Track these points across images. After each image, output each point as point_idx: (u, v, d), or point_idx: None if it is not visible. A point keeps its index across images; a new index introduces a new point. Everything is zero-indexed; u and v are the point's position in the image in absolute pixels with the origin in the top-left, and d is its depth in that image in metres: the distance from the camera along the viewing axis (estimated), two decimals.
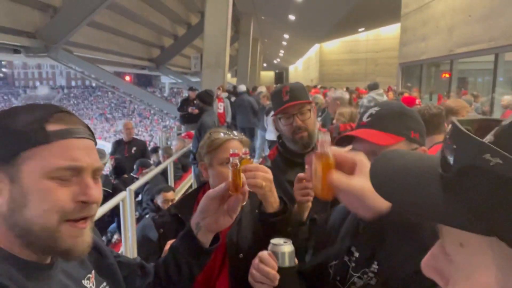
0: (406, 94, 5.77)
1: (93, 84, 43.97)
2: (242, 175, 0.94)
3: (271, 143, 6.87)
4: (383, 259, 0.88)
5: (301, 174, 1.19)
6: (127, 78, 23.96)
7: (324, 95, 7.50)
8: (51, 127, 0.66)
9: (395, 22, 16.33)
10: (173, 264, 0.92)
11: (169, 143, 8.26)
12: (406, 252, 0.81)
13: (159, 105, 13.92)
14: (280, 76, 39.96)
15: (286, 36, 20.94)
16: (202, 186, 1.40)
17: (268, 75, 39.77)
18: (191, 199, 1.35)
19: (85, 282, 0.77)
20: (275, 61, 37.36)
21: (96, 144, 0.74)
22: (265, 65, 36.67)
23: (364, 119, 1.00)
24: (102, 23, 11.46)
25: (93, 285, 0.78)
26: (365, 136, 0.94)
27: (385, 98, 6.12)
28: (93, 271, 0.80)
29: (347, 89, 10.29)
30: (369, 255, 0.92)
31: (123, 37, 13.53)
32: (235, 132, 1.39)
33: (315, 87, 13.97)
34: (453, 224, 0.37)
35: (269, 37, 23.60)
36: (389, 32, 18.61)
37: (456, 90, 7.26)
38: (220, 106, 7.43)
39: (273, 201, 1.16)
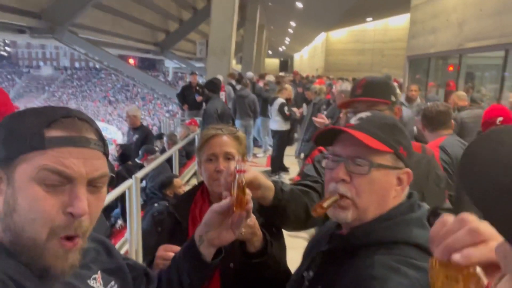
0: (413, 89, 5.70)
1: (97, 66, 43.74)
2: (247, 191, 0.91)
3: (274, 133, 6.89)
4: (327, 285, 0.87)
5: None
6: (131, 61, 23.87)
7: (330, 86, 7.44)
8: (50, 133, 0.64)
9: (404, 13, 16.09)
10: (175, 275, 0.93)
11: (172, 129, 8.25)
12: (345, 283, 0.81)
13: (163, 90, 13.88)
14: (285, 64, 39.69)
15: (292, 23, 20.70)
16: (200, 185, 1.36)
17: (273, 63, 39.50)
18: (188, 199, 1.33)
19: (91, 281, 0.76)
20: (280, 49, 37.05)
21: (105, 154, 0.71)
22: (270, 52, 36.40)
23: (353, 121, 0.93)
24: (108, 5, 11.35)
25: (100, 284, 0.78)
26: (356, 134, 0.85)
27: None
28: (99, 272, 0.79)
29: (354, 80, 10.20)
30: (318, 277, 0.92)
31: (128, 20, 13.41)
32: (233, 128, 1.34)
33: (319, 77, 13.88)
34: None
35: (275, 24, 23.33)
36: (397, 23, 18.36)
37: (465, 87, 7.19)
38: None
39: (256, 240, 1.08)
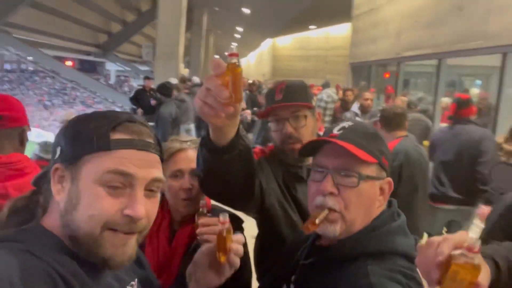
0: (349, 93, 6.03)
1: (31, 68, 40.80)
2: (237, 238, 0.86)
3: None
4: None
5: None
6: (69, 63, 22.57)
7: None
8: (116, 135, 0.68)
9: (345, 22, 16.92)
10: None
11: None
12: None
13: (105, 93, 13.30)
14: None
15: (239, 29, 20.86)
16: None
17: None
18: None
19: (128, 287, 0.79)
20: (226, 53, 37.07)
21: (162, 158, 0.74)
22: (217, 57, 36.27)
23: (335, 131, 0.89)
24: (45, 4, 10.67)
25: None
26: (345, 145, 0.83)
27: (336, 96, 6.48)
28: (136, 279, 0.82)
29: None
30: None
31: (67, 20, 12.69)
32: (198, 140, 1.22)
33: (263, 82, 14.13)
34: None
35: (223, 29, 23.36)
36: (338, 32, 19.25)
37: (402, 92, 7.71)
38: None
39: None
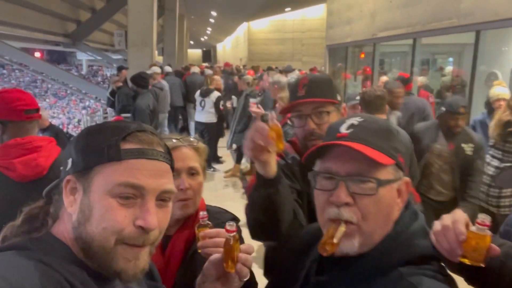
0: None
1: None
2: (239, 249, 0.82)
3: (205, 125, 6.74)
4: None
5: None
6: (37, 54, 21.71)
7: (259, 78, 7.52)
8: (126, 146, 0.68)
9: (320, 3, 16.84)
10: None
11: None
12: None
13: (77, 84, 12.88)
14: (208, 54, 39.22)
15: (213, 13, 20.46)
16: None
17: (195, 54, 38.77)
18: None
19: None
20: (202, 39, 36.47)
21: (172, 167, 0.74)
22: (192, 42, 35.67)
23: (343, 130, 0.79)
24: None
25: None
26: (358, 147, 0.74)
27: (285, 79, 6.51)
28: None
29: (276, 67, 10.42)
30: None
31: (32, 9, 12.11)
32: (190, 138, 1.19)
33: (244, 66, 13.98)
34: None
35: (196, 13, 22.85)
36: (314, 15, 19.17)
37: (379, 72, 7.79)
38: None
39: None
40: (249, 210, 1.16)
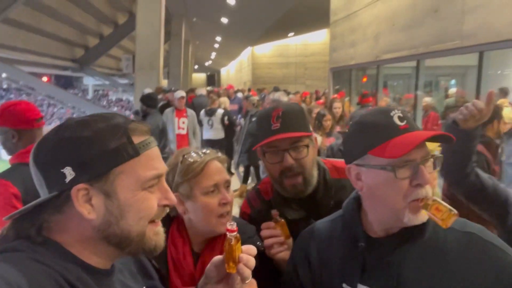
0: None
1: (4, 86, 39.79)
2: (240, 250, 0.82)
3: (213, 143, 6.77)
4: None
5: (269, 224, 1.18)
6: (44, 79, 22.12)
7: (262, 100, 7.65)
8: (136, 140, 0.70)
9: (323, 28, 17.20)
10: None
11: None
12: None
13: (84, 108, 13.04)
14: (212, 79, 39.83)
15: (218, 38, 20.91)
16: (171, 221, 1.17)
17: (199, 78, 39.36)
18: None
19: None
20: (206, 64, 37.10)
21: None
22: (196, 67, 36.26)
23: (400, 122, 0.88)
24: (18, 20, 10.44)
25: None
26: (430, 133, 0.87)
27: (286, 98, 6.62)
28: (144, 287, 0.84)
29: (285, 91, 10.56)
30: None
31: (42, 35, 12.44)
32: (207, 150, 1.17)
33: (249, 90, 14.17)
34: None
35: (201, 39, 23.37)
36: (316, 39, 19.57)
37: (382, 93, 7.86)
38: (183, 123, 5.85)
39: None
40: None
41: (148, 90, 8.09)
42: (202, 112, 6.89)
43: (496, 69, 7.15)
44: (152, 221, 0.72)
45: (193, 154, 1.11)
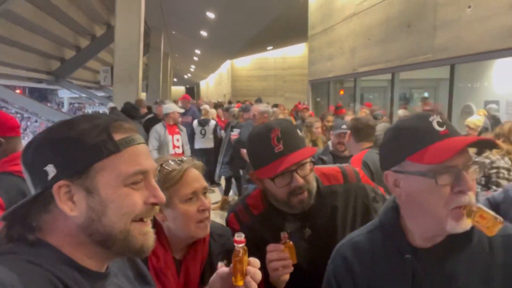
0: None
1: None
2: (248, 262, 0.83)
3: (205, 151, 6.88)
4: None
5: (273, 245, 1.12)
6: (17, 92, 21.52)
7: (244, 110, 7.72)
8: (117, 137, 0.70)
9: (301, 42, 17.52)
10: None
11: None
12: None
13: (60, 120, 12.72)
14: (191, 91, 39.76)
15: (197, 51, 20.97)
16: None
17: (178, 90, 39.21)
18: None
19: None
20: (185, 76, 37.04)
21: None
22: (175, 80, 36.15)
23: (440, 128, 0.86)
24: None
25: None
26: (470, 139, 0.87)
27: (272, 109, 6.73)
28: None
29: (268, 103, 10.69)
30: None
31: (17, 47, 12.15)
32: (183, 157, 1.18)
33: (229, 102, 14.22)
34: None
35: (180, 52, 23.37)
36: (295, 52, 19.90)
37: (361, 106, 8.05)
38: (177, 141, 5.38)
39: None
40: None
41: (111, 105, 7.79)
42: (195, 122, 7.16)
43: (466, 82, 7.44)
44: (139, 220, 0.71)
45: (171, 163, 1.11)
